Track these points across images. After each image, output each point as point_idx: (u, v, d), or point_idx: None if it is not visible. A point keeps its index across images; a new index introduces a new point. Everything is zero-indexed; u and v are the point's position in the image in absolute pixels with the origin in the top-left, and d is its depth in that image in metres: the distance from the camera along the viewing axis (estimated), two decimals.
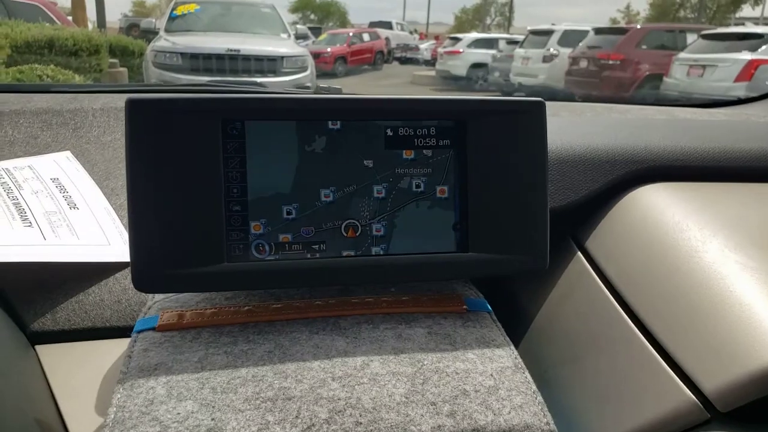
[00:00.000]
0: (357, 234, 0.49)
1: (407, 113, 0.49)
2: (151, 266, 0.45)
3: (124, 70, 6.33)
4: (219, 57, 5.47)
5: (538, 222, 0.51)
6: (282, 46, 5.98)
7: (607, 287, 0.53)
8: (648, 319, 0.48)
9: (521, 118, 0.50)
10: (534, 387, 0.45)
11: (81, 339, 0.55)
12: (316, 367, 0.44)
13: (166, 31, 5.94)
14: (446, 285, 0.55)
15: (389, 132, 0.49)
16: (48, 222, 0.61)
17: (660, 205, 0.56)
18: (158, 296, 0.52)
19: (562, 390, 0.52)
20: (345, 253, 0.49)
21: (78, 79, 4.86)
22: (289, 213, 0.48)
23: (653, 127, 0.69)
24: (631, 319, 0.49)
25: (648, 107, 1.04)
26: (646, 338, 0.47)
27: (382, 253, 0.50)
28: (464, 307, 0.52)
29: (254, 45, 5.70)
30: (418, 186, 0.50)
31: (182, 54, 5.46)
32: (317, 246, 0.49)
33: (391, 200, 0.49)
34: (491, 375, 0.45)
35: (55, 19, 6.93)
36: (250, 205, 0.47)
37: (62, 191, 0.67)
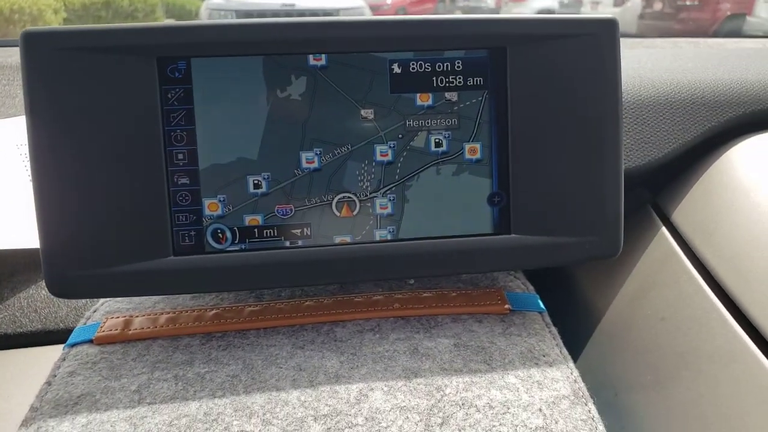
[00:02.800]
0: (354, 213, 0.36)
1: (422, 41, 0.35)
2: (69, 263, 0.33)
3: None
4: (274, 12, 5.36)
5: (608, 190, 0.36)
6: None
7: (703, 277, 0.38)
8: (765, 323, 0.33)
9: (584, 44, 0.36)
10: (602, 427, 0.31)
11: (28, 344, 0.45)
12: (294, 401, 0.32)
13: None
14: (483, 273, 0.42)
15: (396, 68, 0.35)
16: None
17: None
18: None
19: (640, 425, 0.38)
20: (338, 240, 0.36)
21: None
22: (257, 186, 0.35)
23: (766, 58, 0.52)
24: (739, 323, 0.34)
25: (745, 39, 0.85)
26: (763, 352, 0.32)
27: (389, 238, 0.36)
28: (506, 306, 0.39)
29: None
30: (438, 144, 0.36)
31: (236, 11, 5.37)
32: (299, 231, 0.36)
33: (401, 165, 0.36)
34: (540, 409, 0.32)
35: None
36: (202, 177, 0.35)
37: (27, 160, 0.57)
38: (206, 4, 5.74)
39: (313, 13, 5.46)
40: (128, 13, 5.33)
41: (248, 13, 5.39)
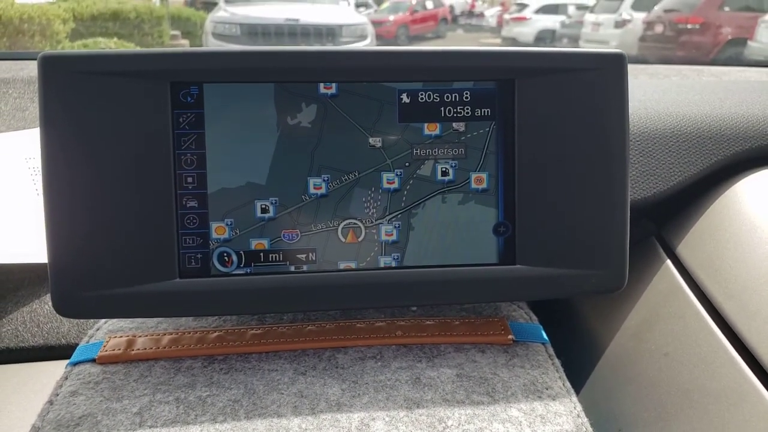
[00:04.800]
0: (360, 239, 0.36)
1: (431, 71, 0.36)
2: (77, 283, 0.33)
3: (185, 42, 6.32)
4: (277, 26, 5.40)
5: (614, 223, 0.36)
6: (341, 14, 5.87)
7: (709, 312, 0.38)
8: None
9: (592, 78, 0.36)
10: None
11: (29, 359, 0.45)
12: (296, 428, 0.32)
13: (226, 1, 5.90)
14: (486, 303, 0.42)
15: (405, 98, 0.36)
16: (4, 213, 0.51)
17: None
18: None
19: None
20: (343, 266, 0.36)
21: None
22: (265, 210, 0.35)
23: None
24: (747, 362, 0.34)
25: (749, 69, 0.86)
26: None
27: (394, 265, 0.37)
28: (510, 336, 0.39)
29: (313, 14, 5.60)
30: (445, 173, 0.36)
31: (240, 24, 5.41)
32: (304, 256, 0.36)
33: (407, 193, 0.36)
34: None
35: None
36: (210, 200, 0.35)
37: (34, 174, 0.57)
38: (211, 17, 5.78)
39: (317, 28, 5.49)
40: (135, 24, 5.36)
41: (252, 27, 5.43)
